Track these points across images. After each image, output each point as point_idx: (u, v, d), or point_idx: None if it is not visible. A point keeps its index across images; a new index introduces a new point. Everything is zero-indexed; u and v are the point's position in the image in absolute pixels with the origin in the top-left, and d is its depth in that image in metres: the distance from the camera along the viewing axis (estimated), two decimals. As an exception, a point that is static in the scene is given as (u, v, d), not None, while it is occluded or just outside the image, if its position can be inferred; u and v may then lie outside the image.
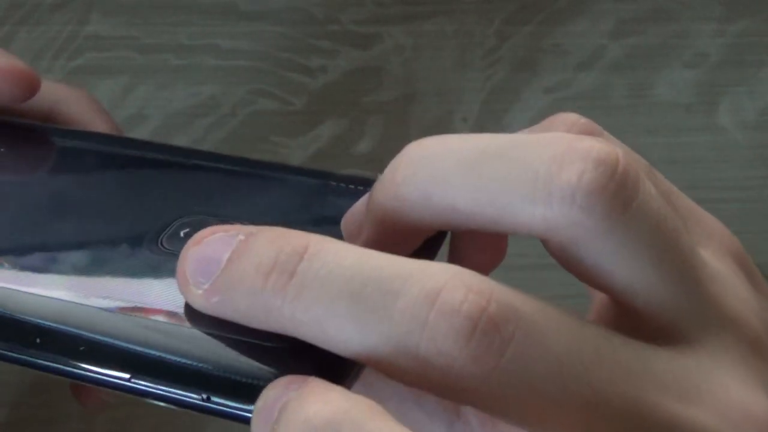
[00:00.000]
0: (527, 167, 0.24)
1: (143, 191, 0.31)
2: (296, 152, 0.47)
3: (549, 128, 0.26)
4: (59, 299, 0.26)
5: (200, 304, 0.24)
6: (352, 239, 0.27)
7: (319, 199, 0.29)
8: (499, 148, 0.24)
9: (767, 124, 0.48)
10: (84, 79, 0.46)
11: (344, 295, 0.23)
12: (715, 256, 0.26)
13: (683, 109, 0.48)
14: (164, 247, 0.28)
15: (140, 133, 0.46)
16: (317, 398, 0.22)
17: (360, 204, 0.27)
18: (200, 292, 0.24)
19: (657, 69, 0.49)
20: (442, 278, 0.22)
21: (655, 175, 0.26)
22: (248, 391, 0.23)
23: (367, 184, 0.28)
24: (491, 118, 0.47)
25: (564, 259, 0.25)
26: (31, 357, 0.25)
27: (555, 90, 0.47)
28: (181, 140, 0.46)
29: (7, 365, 0.26)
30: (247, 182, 0.31)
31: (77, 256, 0.28)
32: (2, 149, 0.33)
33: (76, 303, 0.26)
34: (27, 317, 0.26)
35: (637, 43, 0.49)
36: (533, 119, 0.47)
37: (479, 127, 0.47)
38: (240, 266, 0.24)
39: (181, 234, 0.28)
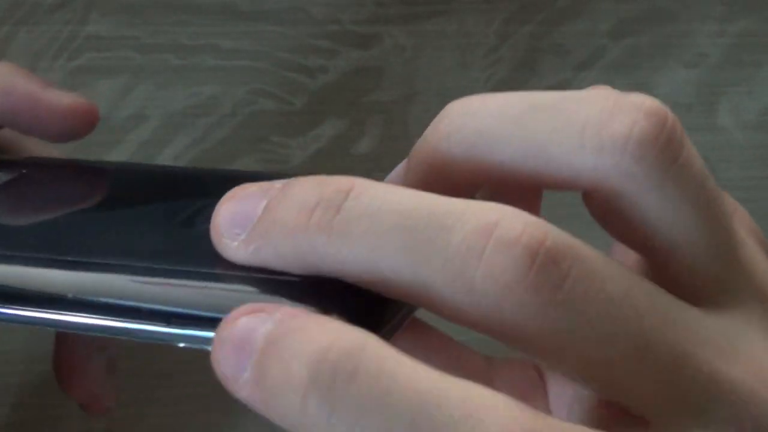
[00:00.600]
0: (577, 118, 0.24)
1: (159, 202, 0.31)
2: (296, 152, 0.47)
3: None
4: (59, 259, 0.26)
5: (237, 255, 0.24)
6: None
7: None
8: (547, 101, 0.25)
9: (767, 124, 0.48)
10: (84, 79, 0.46)
11: (397, 229, 0.22)
12: (741, 228, 0.26)
13: (683, 109, 0.48)
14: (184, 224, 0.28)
15: (140, 133, 0.46)
16: (323, 330, 0.21)
17: (398, 170, 0.27)
18: (236, 243, 0.24)
19: (657, 69, 0.49)
20: (497, 213, 0.22)
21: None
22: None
23: None
24: (491, 118, 0.47)
25: (606, 213, 0.25)
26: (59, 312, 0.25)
27: (555, 90, 0.47)
28: (181, 140, 0.46)
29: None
30: None
31: (102, 236, 0.28)
32: (36, 183, 0.33)
33: (63, 259, 0.26)
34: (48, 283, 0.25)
35: (637, 43, 0.49)
36: (533, 119, 0.47)
37: (479, 127, 0.47)
38: (281, 209, 0.23)
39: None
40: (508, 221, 0.22)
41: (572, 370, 0.23)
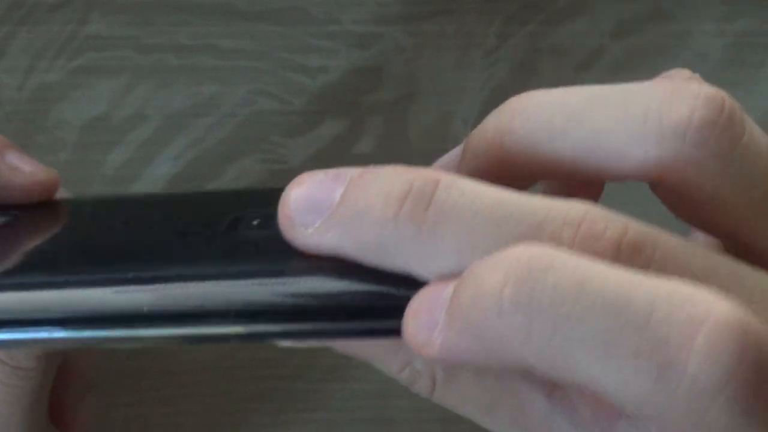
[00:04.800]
0: (636, 109, 0.24)
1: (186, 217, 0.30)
2: (296, 152, 0.46)
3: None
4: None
5: (310, 241, 0.23)
6: None
7: None
8: (606, 94, 0.25)
9: (767, 124, 0.48)
10: (84, 79, 0.46)
11: (490, 224, 0.22)
12: None
13: (683, 109, 0.48)
14: (244, 230, 0.27)
15: (140, 133, 0.46)
16: (511, 250, 0.21)
17: (451, 155, 0.27)
18: (310, 230, 0.23)
19: (657, 69, 0.49)
20: (581, 210, 0.23)
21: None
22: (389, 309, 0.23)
23: None
24: (491, 118, 0.47)
25: (677, 202, 0.25)
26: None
27: (555, 90, 0.47)
28: (181, 140, 0.46)
29: None
30: None
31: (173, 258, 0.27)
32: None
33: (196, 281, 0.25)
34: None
35: (637, 43, 0.49)
36: (533, 119, 0.47)
37: (479, 127, 0.47)
38: (364, 198, 0.23)
39: (254, 223, 0.27)
40: (592, 217, 0.23)
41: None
